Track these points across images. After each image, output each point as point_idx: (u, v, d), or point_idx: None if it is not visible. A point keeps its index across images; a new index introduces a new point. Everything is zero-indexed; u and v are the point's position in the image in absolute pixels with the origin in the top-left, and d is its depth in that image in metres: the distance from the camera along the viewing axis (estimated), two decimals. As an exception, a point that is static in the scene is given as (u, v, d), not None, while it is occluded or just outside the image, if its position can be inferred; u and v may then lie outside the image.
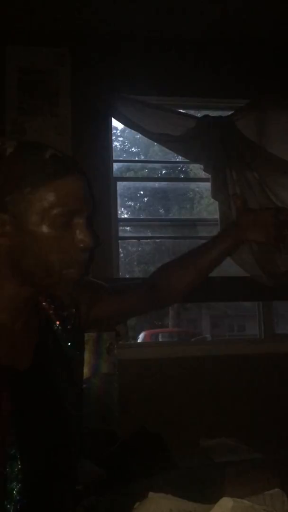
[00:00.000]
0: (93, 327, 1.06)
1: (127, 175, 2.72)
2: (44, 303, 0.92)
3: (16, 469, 0.74)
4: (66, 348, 0.91)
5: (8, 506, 0.73)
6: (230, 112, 2.38)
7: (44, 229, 0.78)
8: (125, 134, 2.88)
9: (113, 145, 2.50)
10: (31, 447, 0.77)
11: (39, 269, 0.80)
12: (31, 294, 0.85)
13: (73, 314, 0.95)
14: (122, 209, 2.66)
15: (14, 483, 0.74)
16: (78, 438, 0.88)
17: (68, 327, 0.93)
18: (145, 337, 3.01)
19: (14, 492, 0.74)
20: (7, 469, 0.73)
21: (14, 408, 0.76)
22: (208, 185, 2.36)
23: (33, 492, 0.77)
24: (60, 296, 0.95)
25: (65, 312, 0.94)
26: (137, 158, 2.96)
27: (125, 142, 2.96)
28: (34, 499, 0.76)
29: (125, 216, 2.70)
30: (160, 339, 3.06)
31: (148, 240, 2.71)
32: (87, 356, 1.93)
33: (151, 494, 0.73)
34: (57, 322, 0.92)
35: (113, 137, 2.54)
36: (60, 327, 0.92)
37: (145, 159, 2.93)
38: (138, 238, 2.68)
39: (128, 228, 2.59)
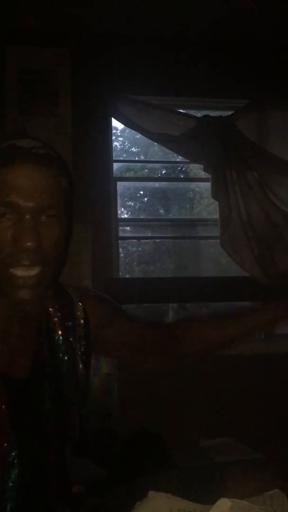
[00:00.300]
0: (100, 350, 1.01)
1: (127, 175, 2.72)
2: (51, 309, 0.89)
3: (15, 476, 0.73)
4: (62, 360, 0.88)
5: None
6: (230, 112, 2.38)
7: None
8: (125, 134, 2.87)
9: (113, 145, 2.51)
10: (29, 456, 0.76)
11: None
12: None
13: (80, 325, 0.91)
14: (122, 209, 2.66)
15: (14, 490, 0.73)
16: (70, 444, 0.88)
17: (70, 339, 0.89)
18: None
19: (14, 498, 0.73)
20: (6, 476, 0.73)
21: (12, 417, 0.75)
22: (208, 185, 2.36)
23: (32, 496, 0.76)
24: (73, 302, 0.92)
25: (70, 322, 0.90)
26: (137, 158, 2.96)
27: (125, 142, 2.96)
28: (33, 504, 0.76)
29: (125, 216, 2.70)
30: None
31: (148, 240, 2.71)
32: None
33: (150, 493, 0.73)
34: (59, 332, 0.88)
35: (113, 137, 2.54)
36: (61, 337, 0.88)
37: (145, 159, 2.93)
38: (138, 238, 2.67)
39: (128, 228, 2.59)
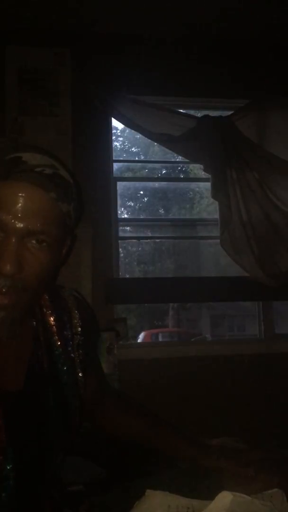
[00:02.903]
0: None
1: (127, 175, 2.72)
2: (50, 318, 0.87)
3: (11, 490, 0.72)
4: (62, 371, 0.86)
5: None
6: (230, 112, 2.38)
7: None
8: (125, 134, 2.88)
9: (113, 145, 2.51)
10: (25, 468, 0.75)
11: None
12: None
13: (78, 333, 0.90)
14: (122, 209, 2.66)
15: (8, 505, 0.72)
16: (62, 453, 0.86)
17: (69, 348, 0.88)
18: (145, 337, 3.01)
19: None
20: (2, 492, 0.71)
21: (6, 430, 0.73)
22: (208, 185, 2.36)
23: (29, 507, 0.76)
24: (70, 310, 0.91)
25: (68, 331, 0.88)
26: (137, 158, 2.96)
27: (125, 142, 2.96)
28: None
29: (125, 216, 2.70)
30: (160, 339, 3.06)
31: (148, 240, 2.71)
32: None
33: (148, 491, 0.73)
34: (58, 343, 0.86)
35: (113, 137, 2.54)
36: (60, 348, 0.86)
37: (145, 159, 2.93)
38: (138, 238, 2.68)
39: (128, 228, 2.59)
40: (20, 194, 0.68)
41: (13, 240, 0.68)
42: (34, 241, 0.70)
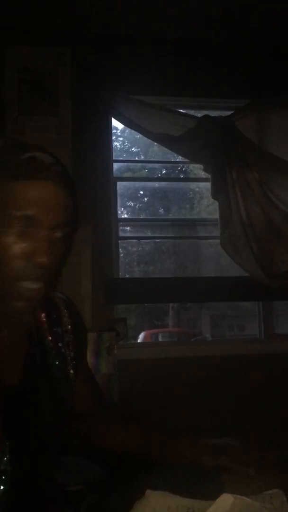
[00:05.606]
0: None
1: (127, 175, 2.72)
2: (41, 315, 0.90)
3: (8, 485, 0.73)
4: (53, 366, 0.89)
5: None
6: (230, 112, 2.38)
7: (1, 231, 0.73)
8: (125, 134, 2.88)
9: (113, 145, 2.50)
10: (22, 461, 0.76)
11: None
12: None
13: (68, 331, 0.93)
14: (122, 209, 2.66)
15: (5, 497, 0.73)
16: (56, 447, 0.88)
17: (59, 344, 0.90)
18: (145, 337, 3.01)
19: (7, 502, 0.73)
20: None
21: (3, 423, 0.75)
22: (208, 185, 2.36)
23: (26, 501, 0.76)
24: (60, 309, 0.94)
25: (58, 328, 0.92)
26: (137, 158, 2.96)
27: (125, 142, 2.96)
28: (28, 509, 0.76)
29: (125, 216, 2.70)
30: (160, 339, 3.06)
31: (148, 240, 2.71)
32: (87, 356, 1.93)
33: (148, 491, 0.73)
34: (49, 338, 0.89)
35: (113, 137, 2.54)
36: (50, 343, 0.89)
37: (145, 159, 2.93)
38: (138, 238, 2.68)
39: (128, 228, 2.59)
40: (46, 192, 0.74)
41: (46, 233, 0.74)
42: (58, 233, 0.77)
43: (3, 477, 0.73)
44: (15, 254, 0.73)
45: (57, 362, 0.89)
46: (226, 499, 0.69)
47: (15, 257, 0.73)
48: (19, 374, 0.81)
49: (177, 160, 2.69)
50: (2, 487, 0.72)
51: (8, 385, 0.79)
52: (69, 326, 0.93)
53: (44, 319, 0.90)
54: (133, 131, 2.42)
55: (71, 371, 0.91)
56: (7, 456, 0.73)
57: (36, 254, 0.73)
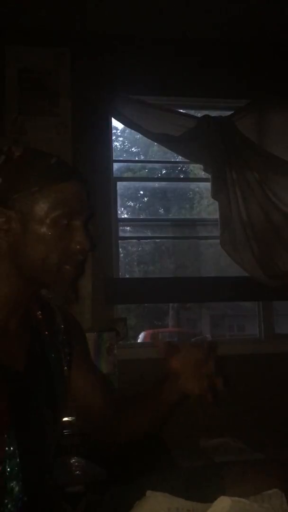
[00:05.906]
0: None
1: (127, 175, 2.72)
2: (38, 312, 0.94)
3: (16, 467, 0.75)
4: (50, 357, 0.92)
5: (9, 505, 0.74)
6: (230, 112, 2.38)
7: (46, 227, 0.82)
8: (125, 134, 2.88)
9: (113, 145, 2.50)
10: (28, 447, 0.78)
11: (38, 266, 0.83)
12: (28, 293, 0.88)
13: (60, 331, 0.96)
14: (122, 209, 2.66)
15: (14, 482, 0.74)
16: (53, 445, 0.90)
17: (54, 339, 0.94)
18: (145, 337, 3.01)
19: (15, 490, 0.74)
20: (7, 468, 0.74)
21: (11, 407, 0.77)
22: (208, 185, 2.36)
23: (32, 488, 0.77)
24: (53, 309, 0.98)
25: (53, 326, 0.95)
26: (137, 158, 2.96)
27: (125, 142, 2.96)
28: (33, 496, 0.77)
29: (125, 216, 2.70)
30: (160, 339, 3.06)
31: (148, 240, 2.71)
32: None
33: (148, 492, 0.74)
34: (46, 332, 0.93)
35: (113, 137, 2.54)
36: (48, 338, 0.93)
37: (145, 159, 2.93)
38: (138, 238, 2.68)
39: (128, 228, 2.59)
40: (80, 190, 0.87)
41: (84, 225, 0.88)
42: (88, 225, 0.90)
43: (12, 461, 0.75)
44: (64, 244, 0.84)
45: (53, 355, 0.92)
46: (223, 502, 0.69)
47: (65, 247, 0.84)
48: (23, 361, 0.85)
49: (177, 160, 2.69)
50: (8, 471, 0.74)
51: (15, 371, 0.83)
52: (62, 326, 0.97)
53: (40, 317, 0.94)
54: (133, 131, 2.42)
55: (65, 368, 0.94)
56: (15, 444, 0.75)
57: (83, 243, 0.86)
